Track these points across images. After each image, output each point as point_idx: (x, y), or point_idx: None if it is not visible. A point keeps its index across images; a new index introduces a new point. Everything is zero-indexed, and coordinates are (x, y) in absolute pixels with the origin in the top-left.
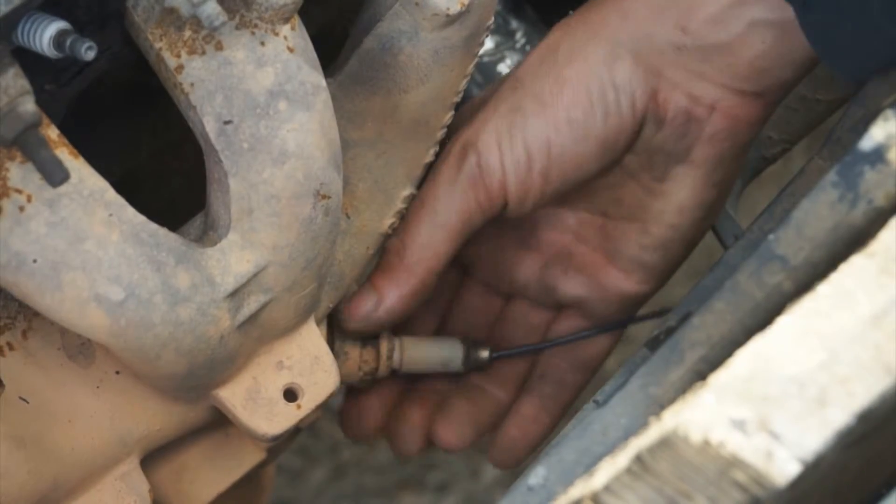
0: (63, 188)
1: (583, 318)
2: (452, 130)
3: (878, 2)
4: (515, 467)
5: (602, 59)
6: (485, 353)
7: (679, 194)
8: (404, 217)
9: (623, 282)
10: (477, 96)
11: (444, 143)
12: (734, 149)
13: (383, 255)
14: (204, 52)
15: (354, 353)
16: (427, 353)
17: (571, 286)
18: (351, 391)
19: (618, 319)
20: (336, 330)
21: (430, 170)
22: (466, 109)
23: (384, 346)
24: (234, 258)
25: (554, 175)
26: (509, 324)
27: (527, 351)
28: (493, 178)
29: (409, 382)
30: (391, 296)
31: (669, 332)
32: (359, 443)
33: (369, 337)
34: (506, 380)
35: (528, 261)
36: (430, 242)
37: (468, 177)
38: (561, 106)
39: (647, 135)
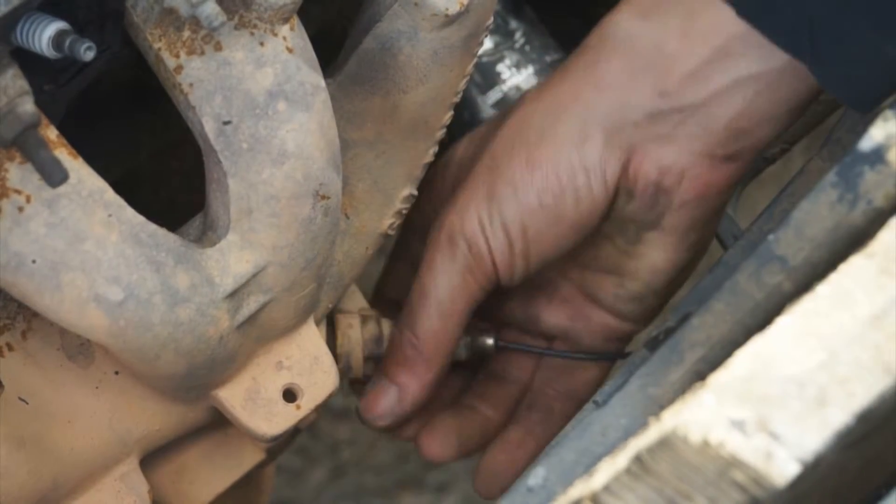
0: (62, 189)
1: (571, 349)
2: (436, 201)
3: (891, 42)
4: (500, 495)
5: (572, 140)
6: (489, 341)
7: (652, 256)
8: (408, 307)
9: (606, 318)
10: (458, 147)
11: (442, 144)
12: (706, 214)
13: (396, 349)
14: (203, 53)
15: (357, 342)
16: None
17: (555, 317)
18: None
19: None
20: (337, 325)
21: (423, 259)
22: (449, 174)
23: (386, 333)
24: (233, 258)
25: (533, 255)
26: (497, 358)
27: (532, 349)
28: (485, 260)
29: None
30: (414, 387)
31: (669, 332)
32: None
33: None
34: (498, 402)
35: (515, 295)
36: (442, 330)
37: (464, 264)
38: (532, 192)
39: (619, 205)
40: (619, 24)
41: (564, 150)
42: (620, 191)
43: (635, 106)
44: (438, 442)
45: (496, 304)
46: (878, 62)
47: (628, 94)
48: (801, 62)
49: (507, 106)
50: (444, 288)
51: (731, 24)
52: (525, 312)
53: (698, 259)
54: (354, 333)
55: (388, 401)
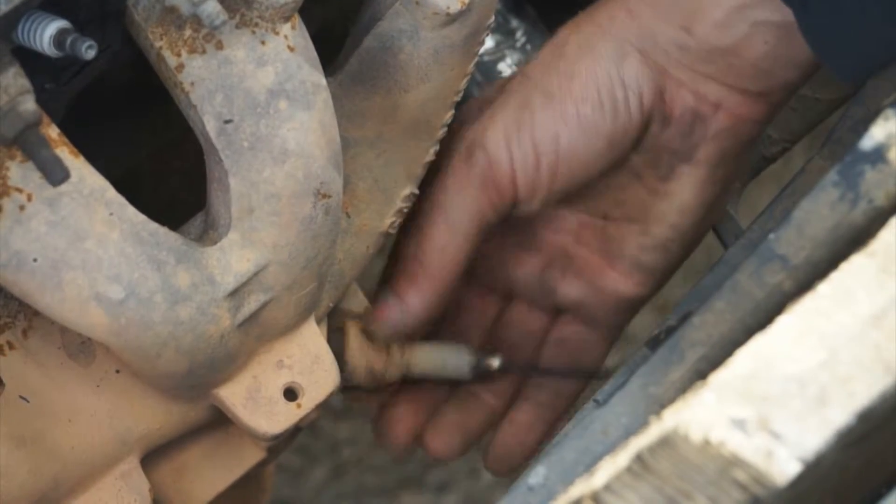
0: (63, 187)
1: (581, 322)
2: (457, 129)
3: (877, 4)
4: (510, 475)
5: (611, 56)
6: (495, 363)
7: (683, 194)
8: (418, 221)
9: (621, 284)
10: (481, 95)
11: (446, 143)
12: (737, 147)
13: (402, 262)
14: (204, 51)
15: (362, 356)
16: (437, 358)
17: (570, 289)
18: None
19: (597, 370)
20: (348, 332)
21: (437, 171)
22: (472, 106)
23: (395, 350)
24: (234, 257)
25: (561, 172)
26: (507, 326)
27: (535, 371)
28: (504, 177)
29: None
30: (415, 302)
31: (670, 331)
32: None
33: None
34: (499, 387)
35: (528, 262)
36: (448, 246)
37: (479, 177)
38: (570, 100)
39: (653, 133)
40: None
41: (603, 64)
42: (655, 117)
43: (666, 35)
44: (444, 440)
45: (509, 276)
46: (864, 26)
47: (658, 24)
48: (788, 5)
49: None
50: (456, 203)
51: None
52: (539, 285)
53: (723, 202)
54: (363, 355)
55: (392, 313)
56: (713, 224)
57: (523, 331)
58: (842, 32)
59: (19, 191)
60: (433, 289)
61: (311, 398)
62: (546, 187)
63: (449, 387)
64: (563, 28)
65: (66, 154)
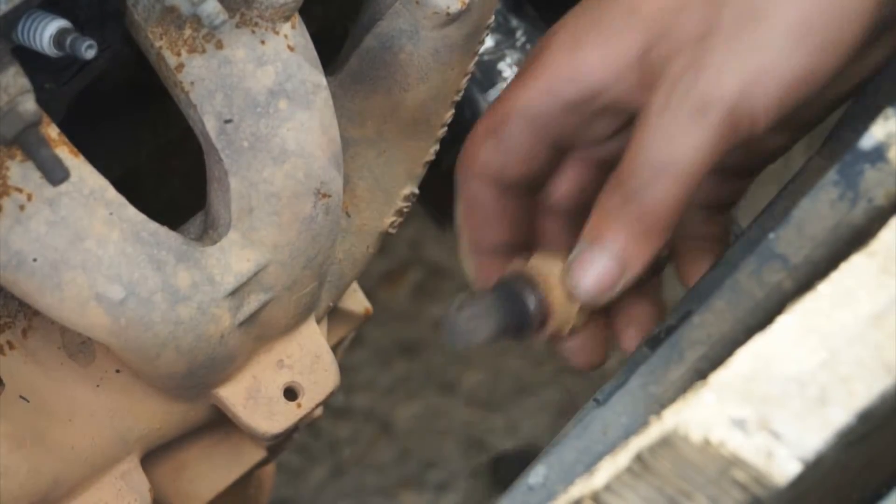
0: (63, 187)
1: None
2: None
3: None
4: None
5: None
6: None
7: None
8: (636, 178)
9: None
10: None
11: (444, 142)
12: None
13: (617, 216)
14: (204, 51)
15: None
16: None
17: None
18: None
19: None
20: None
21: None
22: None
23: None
24: (234, 257)
25: (815, 81)
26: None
27: None
28: (747, 126)
29: None
30: (641, 259)
31: (670, 330)
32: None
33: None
34: None
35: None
36: (684, 201)
37: (718, 134)
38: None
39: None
40: None
41: None
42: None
43: None
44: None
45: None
46: None
47: None
48: None
49: None
50: (689, 161)
51: None
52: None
53: None
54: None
55: (609, 272)
56: None
57: None
58: None
59: (19, 190)
60: (660, 243)
61: (311, 398)
62: (799, 102)
63: None
64: None
65: (66, 154)
